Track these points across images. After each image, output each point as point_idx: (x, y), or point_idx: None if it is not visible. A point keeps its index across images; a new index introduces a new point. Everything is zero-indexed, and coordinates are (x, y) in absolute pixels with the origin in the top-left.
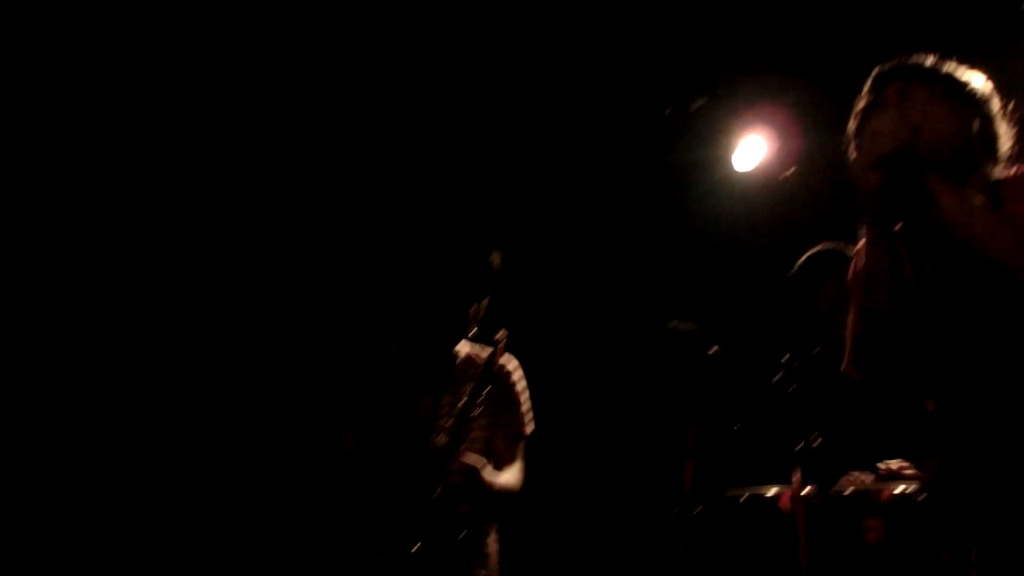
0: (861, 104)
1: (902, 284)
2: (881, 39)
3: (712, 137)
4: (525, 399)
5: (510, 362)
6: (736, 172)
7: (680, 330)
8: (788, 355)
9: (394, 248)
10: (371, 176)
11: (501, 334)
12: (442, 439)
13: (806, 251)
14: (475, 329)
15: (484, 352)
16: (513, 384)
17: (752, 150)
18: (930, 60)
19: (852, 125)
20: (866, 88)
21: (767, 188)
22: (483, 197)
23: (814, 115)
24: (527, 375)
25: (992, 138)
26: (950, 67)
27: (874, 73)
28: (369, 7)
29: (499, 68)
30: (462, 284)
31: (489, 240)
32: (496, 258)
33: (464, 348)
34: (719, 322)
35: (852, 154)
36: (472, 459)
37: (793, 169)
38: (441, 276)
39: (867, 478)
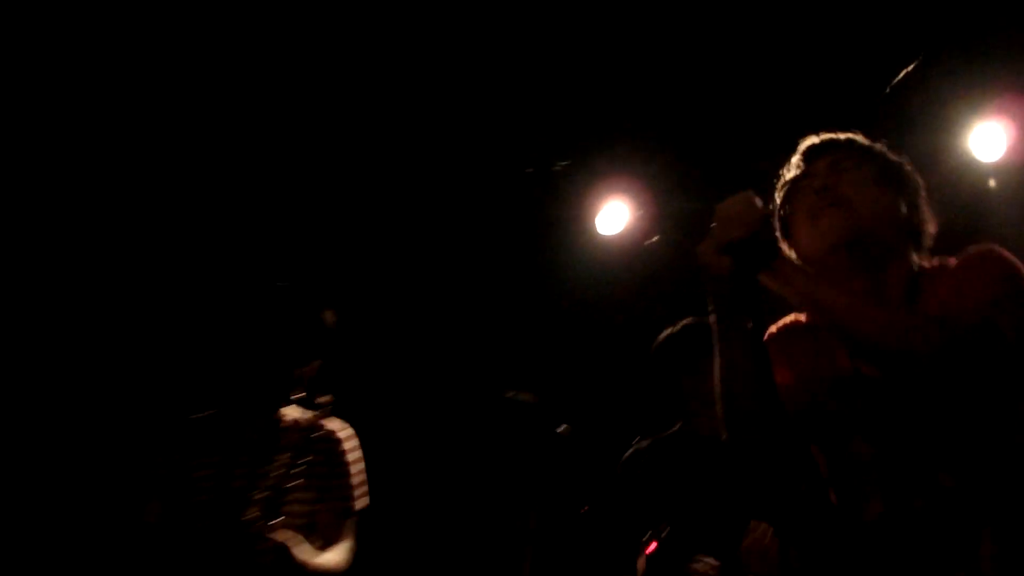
0: (789, 175)
1: (762, 375)
2: (750, 112)
3: (574, 200)
4: (357, 471)
5: (343, 430)
6: (598, 236)
7: (518, 400)
8: (638, 436)
9: (214, 302)
10: (194, 227)
11: (325, 398)
12: (253, 513)
13: (668, 323)
14: (303, 393)
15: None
16: (343, 453)
17: (615, 215)
18: (862, 138)
19: (779, 195)
20: (795, 159)
21: (629, 254)
22: (317, 247)
23: (679, 182)
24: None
25: (918, 224)
26: (882, 148)
27: (805, 145)
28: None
29: (354, 119)
30: (287, 342)
31: (322, 296)
32: (329, 316)
33: (291, 413)
34: (570, 397)
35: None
36: (284, 536)
37: (657, 237)
38: (264, 333)
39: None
